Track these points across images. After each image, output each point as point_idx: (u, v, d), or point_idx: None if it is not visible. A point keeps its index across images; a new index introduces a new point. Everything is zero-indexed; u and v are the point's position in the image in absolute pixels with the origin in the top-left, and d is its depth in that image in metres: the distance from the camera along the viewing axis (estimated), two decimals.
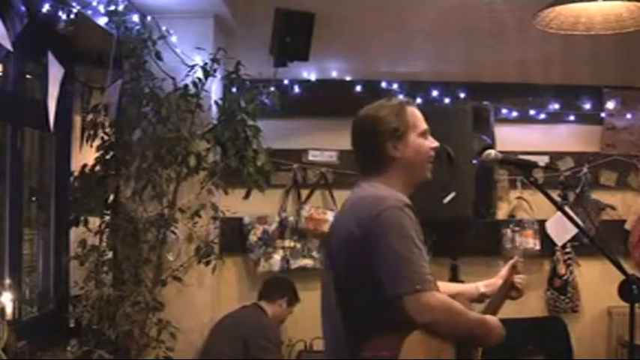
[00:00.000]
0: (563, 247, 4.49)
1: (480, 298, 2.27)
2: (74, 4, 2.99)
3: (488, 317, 2.01)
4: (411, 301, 1.80)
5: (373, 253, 1.88)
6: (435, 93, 4.55)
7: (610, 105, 4.59)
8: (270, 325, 3.89)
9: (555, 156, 4.61)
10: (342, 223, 2.03)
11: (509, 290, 2.23)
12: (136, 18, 3.47)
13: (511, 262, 2.26)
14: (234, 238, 4.45)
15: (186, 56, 3.65)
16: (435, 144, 2.12)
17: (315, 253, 4.48)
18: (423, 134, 2.09)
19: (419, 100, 4.46)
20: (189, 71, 3.60)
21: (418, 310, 1.80)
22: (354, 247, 1.93)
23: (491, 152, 2.25)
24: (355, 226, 1.93)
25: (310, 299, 4.40)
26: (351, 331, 1.94)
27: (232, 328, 3.81)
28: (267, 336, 3.78)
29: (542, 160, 4.50)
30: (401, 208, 1.91)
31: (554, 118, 4.61)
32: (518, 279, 2.24)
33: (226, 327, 3.84)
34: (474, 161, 3.80)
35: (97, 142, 3.42)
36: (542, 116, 4.61)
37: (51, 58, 2.80)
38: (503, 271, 2.25)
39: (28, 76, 3.16)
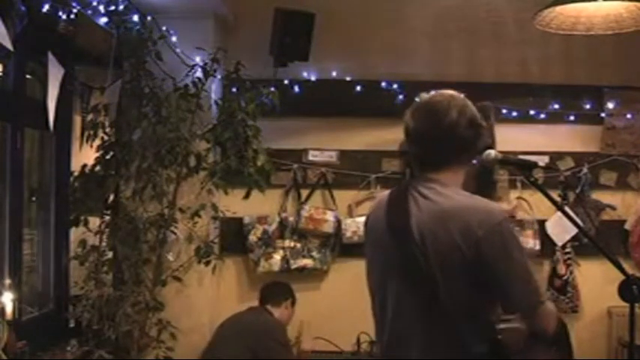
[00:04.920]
0: (563, 247, 4.48)
1: None
2: (74, 4, 2.99)
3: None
4: (541, 312, 1.88)
5: (497, 268, 1.82)
6: None
7: (610, 105, 4.57)
8: (279, 327, 3.82)
9: (555, 156, 4.60)
10: (437, 234, 1.84)
11: None
12: (136, 18, 3.48)
13: None
14: (234, 238, 4.44)
15: (186, 56, 3.66)
16: None
17: (315, 253, 4.47)
18: None
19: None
20: (189, 71, 3.60)
21: (547, 319, 1.89)
22: (465, 260, 1.81)
23: (491, 152, 2.25)
24: (460, 238, 1.82)
25: (310, 299, 4.43)
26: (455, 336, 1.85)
27: (241, 332, 3.71)
28: (277, 338, 3.71)
29: (542, 160, 4.48)
30: (507, 218, 1.90)
31: (554, 118, 4.60)
32: None
33: (235, 331, 3.75)
34: (474, 161, 3.79)
35: (97, 142, 3.43)
36: (542, 116, 4.59)
37: (51, 58, 2.80)
38: None
39: (28, 76, 3.15)
